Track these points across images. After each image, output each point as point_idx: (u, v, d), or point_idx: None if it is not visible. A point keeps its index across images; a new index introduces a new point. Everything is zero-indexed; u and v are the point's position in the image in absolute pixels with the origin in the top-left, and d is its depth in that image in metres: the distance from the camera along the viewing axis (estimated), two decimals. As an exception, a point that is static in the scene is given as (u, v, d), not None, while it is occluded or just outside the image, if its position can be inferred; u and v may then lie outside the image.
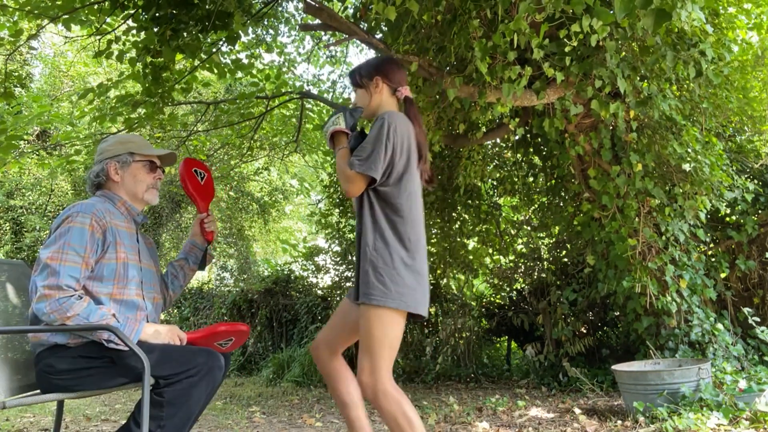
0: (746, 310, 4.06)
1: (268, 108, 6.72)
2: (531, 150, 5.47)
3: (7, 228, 10.56)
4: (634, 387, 3.38)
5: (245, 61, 6.05)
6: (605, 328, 5.52)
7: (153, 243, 2.30)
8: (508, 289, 6.26)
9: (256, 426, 3.79)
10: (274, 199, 11.91)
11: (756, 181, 4.77)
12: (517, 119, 4.38)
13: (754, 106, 4.79)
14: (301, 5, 5.28)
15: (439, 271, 6.44)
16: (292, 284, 7.69)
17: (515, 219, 6.54)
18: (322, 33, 6.90)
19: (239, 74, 6.09)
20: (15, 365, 2.00)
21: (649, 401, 3.28)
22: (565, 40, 3.35)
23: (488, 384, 5.51)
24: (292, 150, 8.33)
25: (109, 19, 4.84)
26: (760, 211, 4.56)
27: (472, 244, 6.51)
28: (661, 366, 3.59)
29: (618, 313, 5.10)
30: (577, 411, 3.66)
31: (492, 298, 6.49)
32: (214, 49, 5.10)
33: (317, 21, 3.99)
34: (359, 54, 16.61)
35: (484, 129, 4.69)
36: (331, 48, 7.70)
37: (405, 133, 1.95)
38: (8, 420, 4.23)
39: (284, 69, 7.48)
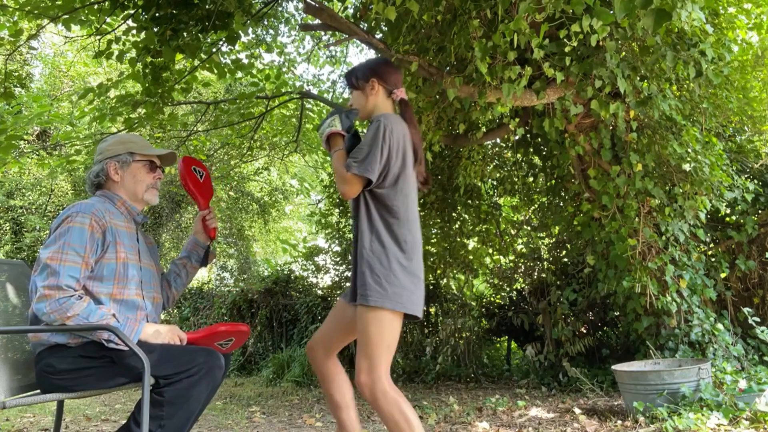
0: (746, 310, 4.06)
1: (268, 108, 6.72)
2: (531, 150, 5.47)
3: (7, 228, 10.56)
4: (634, 387, 3.38)
5: (245, 61, 6.05)
6: (605, 328, 5.52)
7: (153, 242, 2.30)
8: (508, 289, 6.26)
9: (256, 426, 3.79)
10: (274, 199, 11.91)
11: (756, 181, 4.77)
12: (517, 119, 4.38)
13: (754, 106, 4.79)
14: (301, 5, 5.28)
15: (439, 271, 6.44)
16: (292, 284, 7.69)
17: (515, 219, 6.54)
18: (322, 33, 6.90)
19: (239, 74, 6.10)
20: (15, 365, 2.00)
21: (649, 401, 3.28)
22: (565, 40, 3.35)
23: (488, 384, 5.51)
24: (292, 150, 8.33)
25: (109, 19, 4.84)
26: (760, 211, 4.56)
27: (472, 244, 6.51)
28: (661, 366, 3.59)
29: (618, 313, 5.10)
30: (577, 411, 3.66)
31: (492, 298, 6.49)
32: (214, 49, 5.10)
33: (317, 21, 3.99)
34: (359, 54, 16.64)
35: (484, 129, 4.69)
36: (331, 48, 7.70)
37: (400, 135, 1.96)
38: (8, 420, 4.23)
39: (284, 69, 7.48)
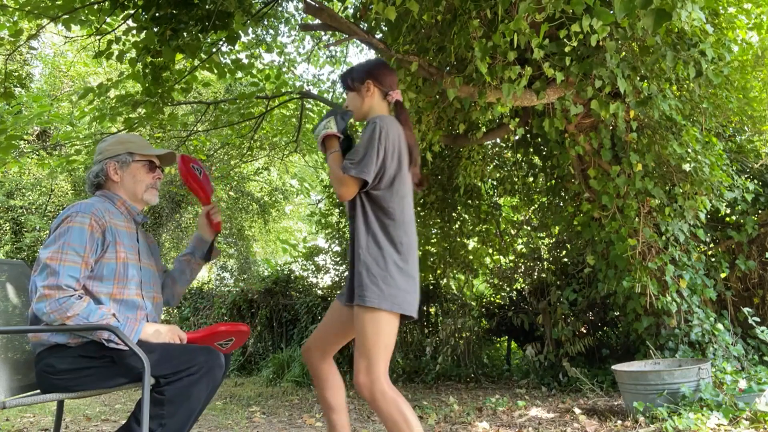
0: (746, 310, 4.06)
1: (268, 108, 6.72)
2: (531, 150, 5.47)
3: (7, 228, 10.57)
4: (634, 387, 3.38)
5: (245, 61, 6.05)
6: (605, 328, 5.52)
7: (154, 241, 2.30)
8: (508, 289, 6.26)
9: (256, 426, 3.79)
10: (274, 199, 11.92)
11: (756, 181, 4.77)
12: (517, 119, 4.38)
13: (754, 106, 4.79)
14: (301, 5, 5.29)
15: (439, 271, 6.44)
16: (292, 284, 7.69)
17: (515, 219, 6.54)
18: (322, 33, 6.91)
19: (239, 74, 6.10)
20: (15, 365, 2.00)
21: (649, 401, 3.28)
22: (565, 40, 3.35)
23: (488, 384, 5.51)
24: (292, 150, 8.33)
25: (109, 19, 4.84)
26: (760, 211, 4.56)
27: (472, 244, 6.51)
28: (661, 366, 3.59)
29: (618, 313, 5.10)
30: (577, 411, 3.66)
31: (492, 298, 6.49)
32: (214, 49, 5.10)
33: (317, 21, 3.99)
34: (359, 54, 16.63)
35: (484, 129, 4.69)
36: (331, 48, 7.70)
37: (396, 137, 1.97)
38: (8, 420, 4.24)
39: (284, 69, 7.48)
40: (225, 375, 2.03)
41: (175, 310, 8.49)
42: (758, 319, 4.08)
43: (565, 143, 4.31)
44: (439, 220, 6.15)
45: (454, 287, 6.54)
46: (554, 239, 6.11)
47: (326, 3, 5.41)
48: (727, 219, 4.69)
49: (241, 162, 8.76)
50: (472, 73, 3.70)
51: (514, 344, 6.42)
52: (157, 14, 4.23)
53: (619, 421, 3.30)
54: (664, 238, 4.07)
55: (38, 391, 1.92)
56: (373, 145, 1.91)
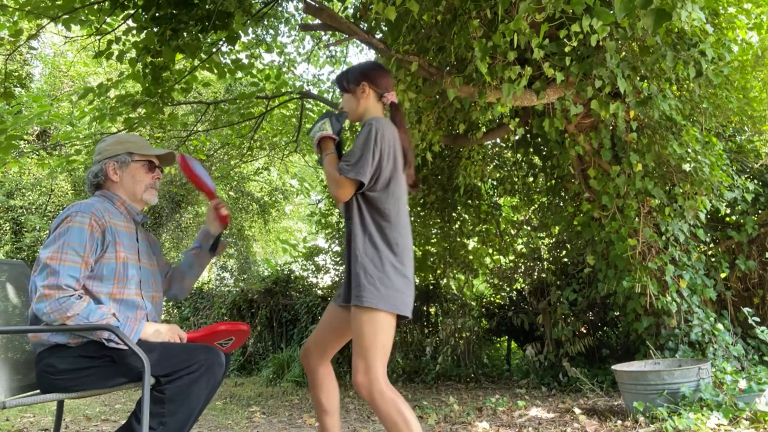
0: (746, 310, 4.06)
1: (268, 108, 6.72)
2: (531, 150, 5.47)
3: (7, 228, 10.57)
4: (634, 387, 3.38)
5: (245, 61, 6.05)
6: (605, 328, 5.52)
7: (155, 239, 2.30)
8: (508, 289, 6.25)
9: (256, 426, 3.79)
10: (274, 199, 11.92)
11: (756, 181, 4.77)
12: (517, 119, 4.38)
13: (754, 106, 4.79)
14: (301, 5, 5.28)
15: (439, 271, 6.44)
16: (292, 284, 7.69)
17: (515, 219, 6.54)
18: (322, 33, 6.90)
19: (239, 74, 6.10)
20: (15, 365, 2.00)
21: (649, 401, 3.28)
22: (565, 40, 3.35)
23: (488, 384, 5.51)
24: (292, 150, 8.33)
25: (109, 19, 4.84)
26: (760, 211, 4.56)
27: (472, 244, 6.51)
28: (661, 366, 3.59)
29: (618, 313, 5.10)
30: (577, 411, 3.66)
31: (492, 298, 6.49)
32: (214, 49, 5.10)
33: (317, 21, 3.99)
34: (359, 54, 16.63)
35: (484, 129, 4.69)
36: (331, 48, 7.70)
37: (391, 139, 1.99)
38: (8, 420, 4.24)
39: (284, 69, 7.48)
40: (225, 374, 2.04)
41: (175, 310, 8.49)
42: (758, 319, 4.08)
43: (565, 143, 4.31)
44: (439, 220, 6.15)
45: (454, 287, 6.54)
46: (554, 239, 6.11)
47: (326, 3, 5.41)
48: (727, 219, 4.69)
49: (241, 162, 8.76)
50: (472, 73, 3.70)
51: (514, 344, 6.42)
52: (157, 14, 4.23)
53: (619, 421, 3.30)
54: (664, 238, 4.07)
55: (38, 391, 1.93)
56: (369, 146, 1.92)
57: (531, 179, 5.96)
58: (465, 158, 5.21)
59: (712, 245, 4.71)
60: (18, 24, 4.97)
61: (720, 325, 3.96)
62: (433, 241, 6.27)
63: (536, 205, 6.21)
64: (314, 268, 7.65)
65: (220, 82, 7.82)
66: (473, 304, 6.35)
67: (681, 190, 4.06)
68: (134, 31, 4.69)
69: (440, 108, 4.34)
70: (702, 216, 4.07)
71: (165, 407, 1.81)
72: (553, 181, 5.35)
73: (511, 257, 6.28)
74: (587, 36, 3.32)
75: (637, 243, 3.95)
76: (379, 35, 4.50)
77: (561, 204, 5.45)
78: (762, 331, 3.89)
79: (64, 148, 8.76)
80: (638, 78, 3.78)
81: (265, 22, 6.30)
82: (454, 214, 6.13)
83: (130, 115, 5.49)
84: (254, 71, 6.09)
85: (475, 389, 5.22)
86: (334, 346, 2.15)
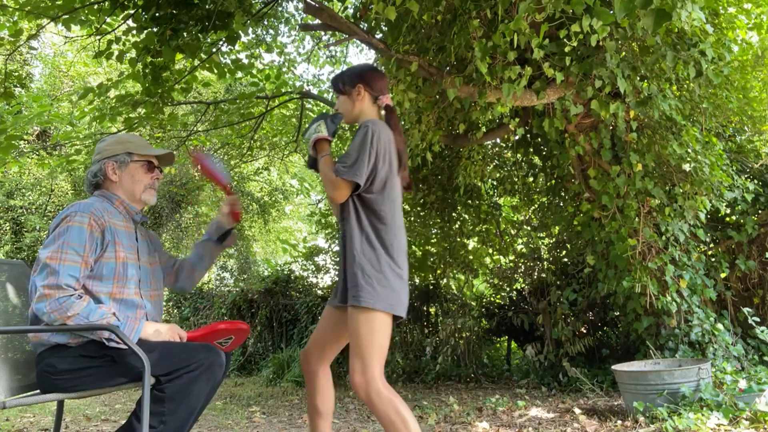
0: (746, 310, 4.06)
1: (268, 108, 6.72)
2: (531, 150, 5.47)
3: (7, 228, 10.57)
4: (634, 387, 3.38)
5: (245, 61, 6.05)
6: (605, 328, 5.52)
7: (155, 235, 2.30)
8: (508, 289, 6.25)
9: (256, 426, 3.79)
10: (274, 199, 11.92)
11: (756, 181, 4.77)
12: (517, 119, 4.38)
13: (754, 106, 4.79)
14: (301, 5, 5.28)
15: (439, 271, 6.44)
16: (292, 284, 7.69)
17: (515, 219, 6.54)
18: (322, 33, 6.90)
19: (239, 74, 6.10)
20: (15, 365, 2.00)
21: (649, 401, 3.28)
22: (565, 40, 3.35)
23: (488, 384, 5.51)
24: (292, 150, 8.33)
25: (109, 19, 4.84)
26: (760, 211, 4.56)
27: (472, 244, 6.51)
28: (661, 366, 3.59)
29: (618, 313, 5.10)
30: (577, 411, 3.66)
31: (492, 298, 6.49)
32: (214, 49, 5.10)
33: (317, 21, 3.99)
34: (359, 54, 16.64)
35: (484, 129, 4.69)
36: (331, 48, 7.70)
37: (387, 141, 2.01)
38: (8, 420, 4.24)
39: (284, 69, 7.48)
40: (226, 374, 2.04)
41: (175, 310, 8.49)
42: (758, 319, 4.08)
43: (565, 143, 4.31)
44: (439, 220, 6.15)
45: (454, 287, 6.54)
46: (554, 239, 6.11)
47: (326, 3, 5.41)
48: (727, 219, 4.69)
49: (241, 162, 8.76)
50: (472, 73, 3.70)
51: (514, 344, 6.42)
52: (157, 14, 4.23)
53: (619, 421, 3.30)
54: (664, 238, 4.07)
55: (38, 391, 1.93)
56: (365, 148, 1.94)
57: (531, 179, 5.96)
58: (465, 158, 5.21)
59: (712, 245, 4.71)
60: (18, 24, 4.97)
61: (720, 325, 3.96)
62: (433, 241, 6.27)
63: (536, 205, 6.21)
64: (314, 268, 7.65)
65: (220, 82, 7.82)
66: (473, 304, 6.35)
67: (681, 190, 4.06)
68: (134, 31, 4.69)
69: (440, 108, 4.34)
70: (702, 216, 4.07)
71: (165, 406, 1.81)
72: (553, 181, 5.35)
73: (511, 257, 6.28)
74: (587, 36, 3.32)
75: (637, 243, 3.95)
76: (379, 35, 4.50)
77: (561, 204, 5.45)
78: (762, 331, 3.89)
79: (64, 148, 8.76)
80: (638, 78, 3.78)
81: (265, 22, 6.30)
82: (454, 214, 6.13)
83: (130, 115, 5.49)
84: (254, 71, 6.09)
85: (475, 389, 5.22)
86: (333, 348, 2.16)
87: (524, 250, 6.23)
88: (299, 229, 15.42)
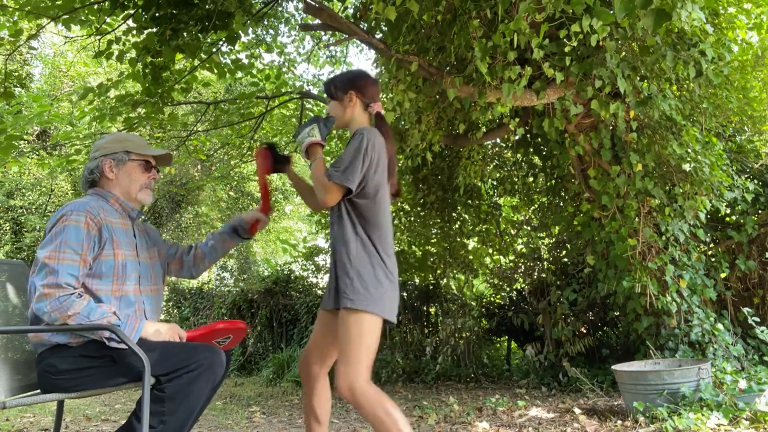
0: (746, 310, 4.06)
1: (268, 108, 6.72)
2: (531, 150, 5.47)
3: (7, 228, 10.57)
4: (634, 387, 3.38)
5: (245, 61, 6.05)
6: (605, 328, 5.52)
7: (154, 228, 2.30)
8: (508, 289, 6.25)
9: (256, 426, 3.79)
10: (274, 199, 11.92)
11: (756, 181, 4.77)
12: (517, 119, 4.38)
13: (754, 106, 4.79)
14: (301, 5, 5.28)
15: (439, 271, 6.44)
16: (292, 284, 7.69)
17: (515, 219, 6.54)
18: (322, 33, 6.91)
19: (239, 74, 6.10)
20: (15, 365, 2.00)
21: (649, 401, 3.28)
22: (565, 40, 3.35)
23: (488, 384, 5.51)
24: (292, 150, 8.32)
25: (109, 19, 4.84)
26: (760, 211, 4.56)
27: (472, 244, 6.51)
28: (661, 366, 3.59)
29: (618, 313, 5.10)
30: (577, 411, 3.66)
31: (492, 298, 6.49)
32: (214, 49, 5.10)
33: (317, 21, 3.99)
34: (359, 54, 16.62)
35: (484, 129, 4.69)
36: (331, 48, 7.70)
37: (380, 149, 2.02)
38: (8, 420, 4.24)
39: (284, 69, 7.48)
40: (226, 374, 2.04)
41: (175, 310, 8.49)
42: (758, 319, 4.08)
43: (565, 143, 4.31)
44: (439, 220, 6.15)
45: (454, 287, 6.54)
46: (554, 239, 6.11)
47: (326, 3, 5.41)
48: (727, 219, 4.69)
49: (241, 162, 8.76)
50: (472, 73, 3.70)
51: (514, 344, 6.42)
52: (157, 14, 4.23)
53: (619, 421, 3.30)
54: (664, 238, 4.07)
55: (38, 391, 1.93)
56: (359, 155, 1.95)
57: (531, 179, 5.96)
58: (465, 158, 5.21)
59: (712, 245, 4.71)
60: (18, 24, 4.97)
61: (720, 325, 3.96)
62: (433, 241, 6.27)
63: (536, 205, 6.21)
64: (314, 268, 7.65)
65: (220, 82, 7.82)
66: (473, 304, 6.35)
67: (681, 190, 4.06)
68: (134, 31, 4.69)
69: (440, 108, 4.34)
70: (702, 216, 4.07)
71: (165, 406, 1.81)
72: (553, 181, 5.35)
73: (511, 257, 6.28)
74: (587, 36, 3.32)
75: (637, 243, 3.95)
76: (379, 35, 4.50)
77: (561, 204, 5.45)
78: (762, 331, 3.89)
79: (64, 148, 8.76)
80: (638, 78, 3.78)
81: (265, 22, 6.30)
82: (454, 214, 6.13)
83: (130, 115, 5.49)
84: (254, 71, 6.09)
85: (475, 389, 5.22)
86: (332, 351, 2.16)
87: (524, 250, 6.22)
88: (299, 229, 15.43)
